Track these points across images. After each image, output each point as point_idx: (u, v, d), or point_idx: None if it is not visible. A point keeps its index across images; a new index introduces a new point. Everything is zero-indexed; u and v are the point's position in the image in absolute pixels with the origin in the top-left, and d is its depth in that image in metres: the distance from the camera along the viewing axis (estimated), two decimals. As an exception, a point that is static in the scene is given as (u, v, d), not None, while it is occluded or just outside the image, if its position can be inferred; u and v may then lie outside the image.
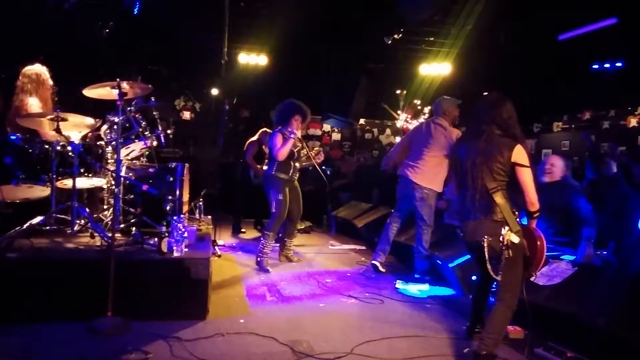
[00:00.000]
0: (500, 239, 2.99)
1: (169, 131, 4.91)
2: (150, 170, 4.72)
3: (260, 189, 5.59)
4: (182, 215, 4.16)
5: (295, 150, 5.27)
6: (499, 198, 3.03)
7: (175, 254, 3.71)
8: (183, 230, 3.79)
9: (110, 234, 3.64)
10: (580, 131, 10.85)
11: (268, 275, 5.07)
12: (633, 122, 10.04)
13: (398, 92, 11.40)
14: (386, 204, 7.08)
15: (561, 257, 4.13)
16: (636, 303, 3.29)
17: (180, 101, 11.93)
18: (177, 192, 4.44)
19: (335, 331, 3.58)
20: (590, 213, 4.33)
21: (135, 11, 7.10)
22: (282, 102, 5.41)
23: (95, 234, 3.98)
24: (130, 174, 4.50)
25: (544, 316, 3.44)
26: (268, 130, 6.41)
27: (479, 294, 3.55)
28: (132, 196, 4.39)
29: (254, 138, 6.67)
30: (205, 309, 3.67)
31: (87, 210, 4.14)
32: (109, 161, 4.44)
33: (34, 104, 4.43)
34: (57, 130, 3.87)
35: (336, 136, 13.42)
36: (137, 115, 4.54)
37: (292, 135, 5.14)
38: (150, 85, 4.16)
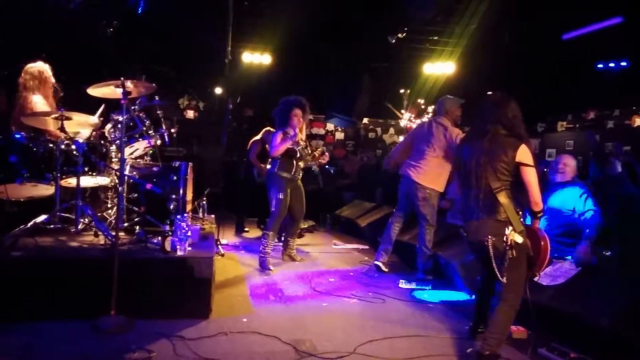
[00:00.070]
0: (504, 239, 2.98)
1: (172, 130, 4.91)
2: (154, 169, 4.73)
3: (263, 188, 5.58)
4: (185, 214, 4.17)
5: (297, 149, 5.25)
6: (503, 198, 3.03)
7: (179, 253, 3.72)
8: (186, 229, 3.80)
9: (114, 233, 3.64)
10: (585, 131, 10.81)
11: (271, 274, 5.07)
12: (638, 121, 9.99)
13: (402, 91, 11.39)
14: (389, 203, 7.08)
15: (565, 258, 4.12)
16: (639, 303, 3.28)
17: (184, 100, 11.95)
18: (181, 191, 4.45)
19: (337, 330, 3.58)
20: (596, 214, 4.32)
21: (139, 11, 7.11)
22: (279, 102, 5.39)
23: (99, 233, 3.99)
24: (134, 173, 4.52)
25: (547, 316, 3.43)
26: (272, 129, 6.40)
27: (482, 293, 3.54)
28: (136, 195, 4.41)
29: (258, 137, 6.68)
30: (209, 308, 3.68)
31: (91, 208, 4.16)
32: (113, 160, 4.45)
33: (38, 101, 4.44)
34: (62, 129, 3.88)
35: (340, 135, 13.41)
36: (141, 114, 4.55)
37: (292, 137, 5.11)
38: (154, 84, 4.16)
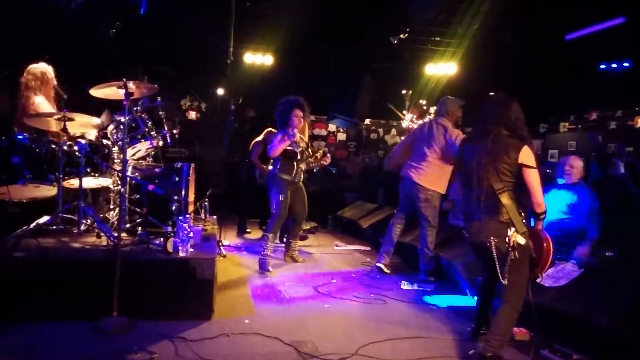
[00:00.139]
0: (507, 240, 2.97)
1: (174, 131, 4.92)
2: (156, 170, 4.74)
3: (265, 188, 5.58)
4: (187, 215, 4.17)
5: (298, 151, 5.23)
6: (505, 199, 3.02)
7: (181, 254, 3.72)
8: (189, 230, 3.80)
9: (116, 234, 3.65)
10: (587, 132, 10.79)
11: (273, 275, 5.07)
12: (640, 122, 9.97)
13: (404, 92, 11.37)
14: (391, 204, 7.07)
15: (567, 259, 4.11)
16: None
17: (186, 101, 11.95)
18: (183, 192, 4.46)
19: (339, 332, 3.58)
20: (599, 217, 4.31)
21: (142, 11, 7.12)
22: (279, 103, 5.36)
23: (102, 234, 4.00)
24: (137, 174, 4.52)
25: (549, 318, 3.42)
26: (273, 130, 6.41)
27: (484, 295, 3.54)
28: (138, 196, 4.41)
29: (260, 138, 6.68)
30: (211, 309, 3.68)
31: (94, 210, 4.16)
32: (115, 161, 4.46)
33: (41, 102, 4.45)
34: (64, 129, 3.89)
35: (341, 136, 13.40)
36: (143, 115, 4.56)
37: (290, 137, 5.07)
38: (156, 85, 4.17)
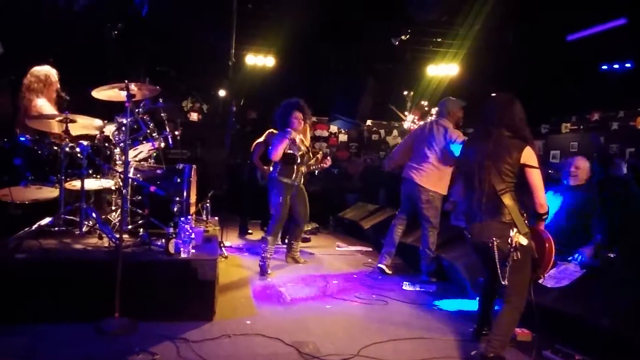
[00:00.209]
0: (509, 241, 2.97)
1: (176, 132, 4.93)
2: (158, 171, 4.74)
3: (267, 190, 5.58)
4: (189, 217, 4.17)
5: (298, 155, 5.17)
6: (507, 199, 3.02)
7: (183, 255, 3.72)
8: (190, 231, 3.80)
9: (118, 235, 3.65)
10: (589, 132, 10.77)
11: (274, 276, 5.07)
12: (642, 123, 9.96)
13: (405, 93, 11.37)
14: (393, 205, 7.07)
15: (569, 259, 4.11)
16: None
17: (188, 102, 11.98)
18: (185, 194, 4.46)
19: (341, 333, 3.58)
20: (605, 219, 4.28)
21: (144, 13, 7.13)
22: (280, 105, 5.32)
23: (103, 235, 4.00)
24: (138, 175, 4.53)
25: (551, 318, 3.42)
26: (275, 131, 6.41)
27: (485, 295, 3.53)
28: (139, 197, 4.41)
29: (261, 139, 6.68)
30: (212, 310, 3.68)
31: (96, 211, 4.17)
32: (117, 162, 4.47)
33: (44, 104, 4.46)
34: (66, 131, 3.90)
35: (343, 137, 13.42)
36: (145, 117, 4.56)
37: (287, 135, 5.04)
38: (158, 87, 4.18)
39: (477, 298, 3.78)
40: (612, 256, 4.35)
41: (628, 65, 9.75)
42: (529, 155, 3.06)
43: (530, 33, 9.11)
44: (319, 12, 8.29)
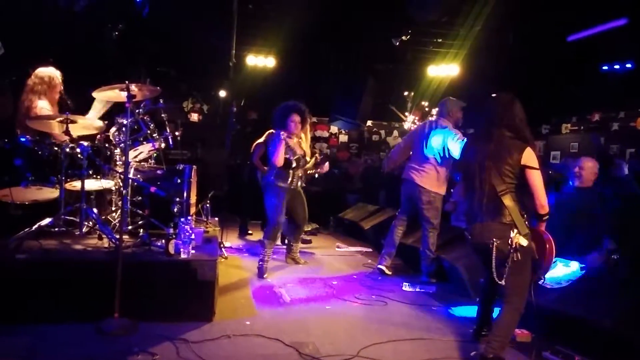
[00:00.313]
0: (509, 241, 2.97)
1: (177, 133, 4.92)
2: (158, 172, 4.75)
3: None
4: (189, 217, 4.18)
5: (294, 159, 5.10)
6: (508, 200, 3.02)
7: (183, 256, 3.73)
8: (190, 232, 3.81)
9: (118, 236, 3.66)
10: (590, 133, 10.77)
11: (274, 277, 5.07)
12: (643, 123, 9.94)
13: (406, 93, 11.36)
14: (393, 206, 7.07)
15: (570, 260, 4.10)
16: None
17: (188, 103, 11.98)
18: (185, 194, 4.46)
19: (341, 333, 3.58)
20: (613, 224, 4.26)
21: (144, 13, 7.14)
22: (278, 108, 5.24)
23: (104, 236, 4.00)
24: (139, 176, 4.53)
25: (551, 319, 3.42)
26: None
27: (485, 296, 3.53)
28: (140, 198, 4.42)
29: (261, 140, 6.67)
30: (212, 311, 3.69)
31: (96, 211, 4.17)
32: (117, 163, 4.47)
33: (43, 107, 4.47)
34: (67, 132, 3.90)
35: (343, 138, 13.41)
36: (145, 118, 4.56)
37: (280, 138, 4.97)
38: (158, 88, 4.18)
39: (477, 299, 3.78)
40: (616, 257, 4.34)
41: (629, 65, 9.73)
42: (529, 156, 3.06)
43: (531, 33, 9.10)
44: (319, 13, 8.28)
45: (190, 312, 3.60)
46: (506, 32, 9.46)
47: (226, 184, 6.63)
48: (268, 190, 5.17)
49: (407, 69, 11.05)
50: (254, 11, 8.69)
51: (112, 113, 4.57)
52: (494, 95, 3.36)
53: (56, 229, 3.97)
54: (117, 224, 4.23)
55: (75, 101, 4.64)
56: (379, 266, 5.36)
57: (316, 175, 5.77)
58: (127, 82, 3.73)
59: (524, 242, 2.98)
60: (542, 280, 3.49)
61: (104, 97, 4.17)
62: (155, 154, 5.02)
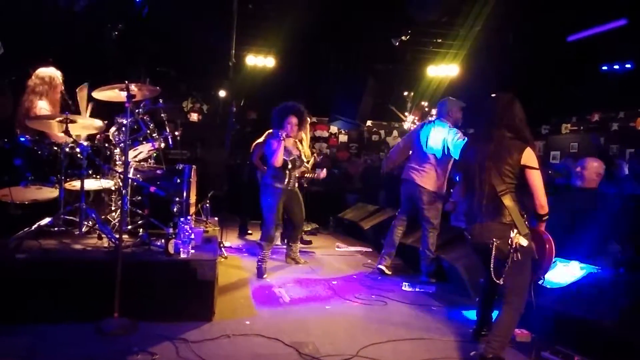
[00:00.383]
0: (509, 241, 2.97)
1: (176, 133, 4.93)
2: (158, 172, 4.75)
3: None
4: (189, 217, 4.17)
5: (289, 160, 5.06)
6: (508, 200, 3.02)
7: (182, 256, 3.73)
8: (190, 231, 3.81)
9: (117, 235, 3.66)
10: (589, 133, 10.77)
11: (274, 277, 5.07)
12: (643, 123, 9.95)
13: (405, 93, 11.37)
14: (393, 206, 7.07)
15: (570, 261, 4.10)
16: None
17: (188, 103, 11.98)
18: (185, 194, 4.46)
19: (340, 333, 3.58)
20: (619, 228, 4.23)
21: (144, 13, 7.14)
22: (276, 108, 5.20)
23: (103, 236, 4.01)
24: (138, 176, 4.53)
25: (551, 319, 3.41)
26: (274, 132, 6.40)
27: (485, 296, 3.53)
28: (139, 198, 4.43)
29: (261, 140, 6.68)
30: (212, 311, 3.69)
31: (95, 211, 4.17)
32: (117, 163, 4.47)
33: (43, 107, 4.47)
34: (66, 132, 3.90)
35: (343, 138, 13.43)
36: (145, 117, 4.57)
37: (279, 138, 4.93)
38: (158, 87, 4.18)
39: (477, 299, 3.78)
40: (623, 260, 4.33)
41: (628, 66, 9.74)
42: (529, 157, 3.06)
43: (531, 34, 9.10)
44: (319, 13, 8.28)
45: (189, 312, 3.60)
46: (506, 32, 9.46)
47: (226, 183, 6.63)
48: (264, 191, 5.15)
49: (407, 69, 11.06)
50: (254, 11, 8.69)
51: (112, 113, 4.57)
52: (493, 95, 3.36)
53: (56, 229, 3.97)
54: (117, 224, 4.23)
55: (75, 101, 4.64)
56: (379, 266, 5.36)
57: (315, 178, 5.77)
58: (126, 82, 3.73)
59: (524, 242, 2.98)
60: (542, 281, 3.49)
61: (82, 94, 4.17)
62: (154, 154, 5.02)
